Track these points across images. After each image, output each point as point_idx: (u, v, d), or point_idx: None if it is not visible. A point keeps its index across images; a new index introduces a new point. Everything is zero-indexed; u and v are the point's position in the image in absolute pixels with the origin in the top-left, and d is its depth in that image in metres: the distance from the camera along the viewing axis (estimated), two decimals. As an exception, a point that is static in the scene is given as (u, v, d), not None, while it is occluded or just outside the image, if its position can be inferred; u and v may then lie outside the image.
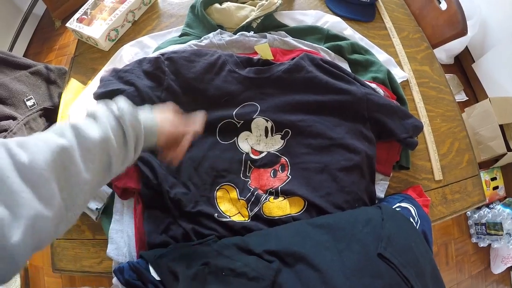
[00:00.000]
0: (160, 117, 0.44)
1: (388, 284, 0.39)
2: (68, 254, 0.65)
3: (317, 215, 0.51)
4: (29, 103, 0.96)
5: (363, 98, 0.53)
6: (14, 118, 0.90)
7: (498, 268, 1.54)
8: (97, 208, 0.61)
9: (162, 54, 0.59)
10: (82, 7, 0.86)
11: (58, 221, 0.32)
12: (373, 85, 0.62)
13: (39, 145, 0.32)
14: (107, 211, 0.63)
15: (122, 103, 0.40)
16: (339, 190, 0.52)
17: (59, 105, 0.83)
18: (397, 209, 0.54)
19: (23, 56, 1.91)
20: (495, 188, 1.56)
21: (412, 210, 0.55)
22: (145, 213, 0.55)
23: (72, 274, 0.65)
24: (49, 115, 0.97)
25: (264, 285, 0.38)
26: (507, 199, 1.56)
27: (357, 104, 0.54)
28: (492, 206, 1.52)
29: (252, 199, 0.52)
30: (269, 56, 0.58)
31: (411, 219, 0.52)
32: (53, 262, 0.66)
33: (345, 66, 0.67)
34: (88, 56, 0.86)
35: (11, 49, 1.84)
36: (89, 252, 0.64)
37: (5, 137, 0.87)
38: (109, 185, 0.62)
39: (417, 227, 0.52)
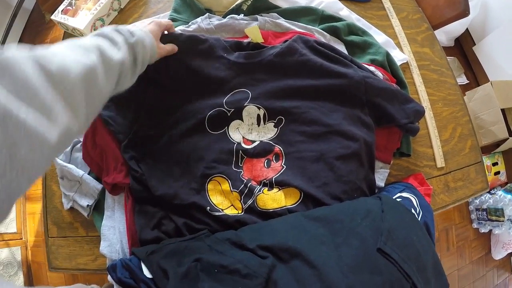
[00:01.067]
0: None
1: (388, 280, 0.37)
2: (63, 252, 0.64)
3: (314, 206, 0.49)
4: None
5: (361, 81, 0.50)
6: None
7: (498, 254, 1.55)
8: (88, 205, 0.59)
9: None
10: (63, 3, 0.83)
11: (80, 130, 0.35)
12: (372, 68, 0.59)
13: (69, 60, 0.34)
14: (98, 208, 0.61)
15: (137, 32, 0.45)
16: (336, 180, 0.50)
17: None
18: (398, 199, 0.52)
19: (15, 51, 1.88)
20: (497, 173, 1.55)
21: (414, 200, 0.53)
22: (135, 208, 0.53)
23: (68, 272, 0.64)
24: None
25: (258, 283, 0.36)
26: (508, 184, 1.55)
27: (355, 88, 0.51)
28: (493, 192, 1.51)
29: (246, 191, 0.49)
30: (259, 39, 0.55)
31: (413, 210, 0.50)
32: (49, 261, 0.65)
33: (342, 48, 0.63)
34: (75, 48, 0.82)
35: (2, 43, 1.80)
36: (83, 249, 0.63)
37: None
38: (99, 180, 0.60)
39: (419, 219, 0.50)
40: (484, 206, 1.49)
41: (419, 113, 0.55)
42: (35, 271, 1.47)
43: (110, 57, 0.40)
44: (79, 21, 0.78)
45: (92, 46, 0.39)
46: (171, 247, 0.45)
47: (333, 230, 0.42)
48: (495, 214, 1.44)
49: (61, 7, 0.82)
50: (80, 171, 0.59)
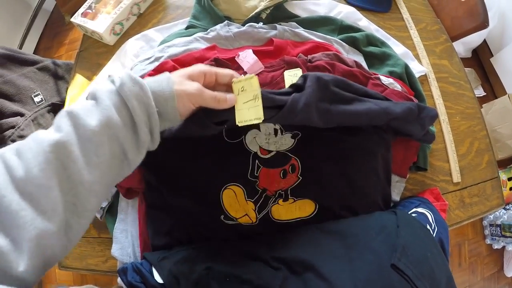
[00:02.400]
0: (175, 79, 0.36)
1: None
2: (74, 252, 0.65)
3: (328, 219, 0.48)
4: (36, 99, 0.96)
5: (382, 113, 0.47)
6: (22, 115, 0.91)
7: (511, 271, 1.50)
8: (101, 207, 0.60)
9: None
10: (87, 1, 0.84)
11: (65, 230, 0.29)
12: (390, 80, 0.58)
13: (33, 148, 0.28)
14: (112, 210, 0.61)
15: (124, 74, 0.34)
16: (352, 193, 0.49)
17: (67, 100, 0.82)
18: (414, 214, 0.51)
19: (34, 51, 1.94)
20: (512, 188, 1.50)
21: (429, 216, 0.52)
22: (148, 213, 0.53)
23: (78, 272, 0.64)
24: (58, 111, 0.95)
25: None
26: (525, 200, 1.50)
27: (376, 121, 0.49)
28: (508, 207, 1.47)
29: (260, 201, 0.49)
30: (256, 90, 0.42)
31: (428, 226, 0.49)
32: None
33: (360, 59, 0.63)
34: (93, 51, 0.84)
35: (21, 44, 1.86)
36: (94, 250, 0.64)
37: (12, 133, 0.87)
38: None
39: (434, 235, 0.49)
40: (498, 222, 1.45)
41: (433, 118, 0.53)
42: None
43: (85, 122, 0.30)
44: (99, 24, 0.79)
45: (64, 113, 0.31)
46: (183, 253, 0.45)
47: (347, 244, 0.42)
48: (509, 230, 1.41)
49: (81, 10, 0.84)
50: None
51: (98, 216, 0.61)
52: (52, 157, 0.28)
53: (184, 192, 0.49)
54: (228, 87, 0.42)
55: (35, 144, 0.29)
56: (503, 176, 1.49)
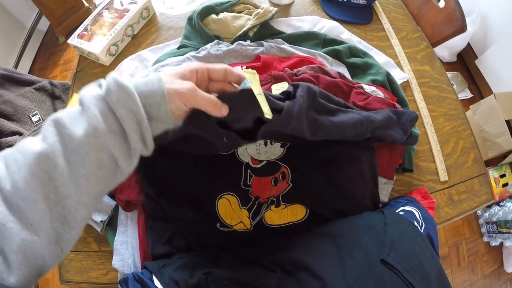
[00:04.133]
0: (166, 79, 0.34)
1: None
2: (75, 265, 0.66)
3: (319, 222, 0.50)
4: (34, 119, 0.98)
5: (367, 123, 0.49)
6: (20, 134, 0.92)
7: (511, 267, 1.51)
8: (101, 221, 0.62)
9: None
10: (83, 23, 0.88)
11: (56, 241, 0.29)
12: (373, 88, 0.62)
13: (18, 160, 0.28)
14: (111, 223, 0.63)
15: (109, 78, 0.32)
16: (340, 197, 0.52)
17: (63, 120, 0.84)
18: (401, 213, 0.53)
19: (29, 72, 1.96)
20: (505, 185, 1.53)
21: (417, 213, 0.54)
22: (148, 224, 0.55)
23: (79, 286, 0.65)
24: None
25: None
26: (517, 196, 1.53)
27: (361, 132, 0.50)
28: (502, 204, 1.50)
29: (254, 208, 0.51)
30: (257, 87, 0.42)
31: (416, 223, 0.51)
32: (60, 274, 0.66)
33: (344, 70, 0.67)
34: (90, 71, 0.87)
35: (16, 65, 1.89)
36: (95, 263, 0.65)
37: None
38: (113, 197, 0.62)
39: (422, 231, 0.51)
40: (494, 219, 1.47)
41: (414, 120, 0.56)
42: (42, 286, 1.49)
43: (70, 132, 0.29)
44: (95, 45, 0.83)
45: (50, 122, 0.30)
46: (182, 261, 0.47)
47: (337, 243, 0.44)
48: (505, 226, 1.42)
49: (77, 32, 0.87)
50: (96, 189, 0.62)
51: (99, 229, 0.63)
52: (37, 169, 0.28)
53: (182, 203, 0.52)
54: (222, 85, 0.39)
55: (20, 155, 0.28)
56: (495, 173, 1.52)
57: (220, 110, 0.37)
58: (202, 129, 0.39)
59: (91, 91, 0.32)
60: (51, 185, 0.28)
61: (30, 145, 0.29)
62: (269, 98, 0.40)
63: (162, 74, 0.35)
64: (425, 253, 0.44)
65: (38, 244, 0.27)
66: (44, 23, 2.09)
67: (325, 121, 0.46)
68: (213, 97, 0.37)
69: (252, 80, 0.38)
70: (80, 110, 0.31)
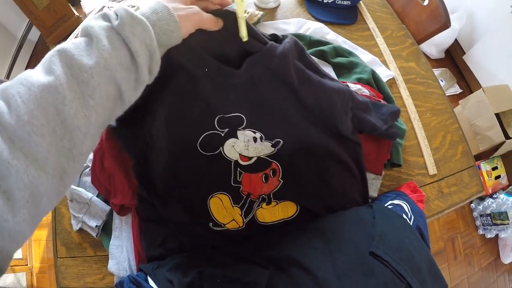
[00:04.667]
0: (172, 5, 0.35)
1: (383, 281, 0.39)
2: (72, 271, 0.66)
3: (310, 218, 0.52)
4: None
5: (349, 95, 0.52)
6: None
7: (508, 258, 1.53)
8: (96, 226, 0.62)
9: None
10: (73, 33, 0.89)
11: (61, 177, 0.28)
12: (358, 86, 0.63)
13: (22, 92, 0.26)
14: (106, 228, 0.64)
15: (121, 10, 0.31)
16: (330, 193, 0.53)
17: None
18: (389, 206, 0.55)
19: (21, 82, 1.96)
20: (497, 177, 1.56)
21: (405, 207, 0.55)
22: (141, 228, 0.56)
23: (76, 292, 0.66)
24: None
25: None
26: (510, 187, 1.55)
27: (346, 103, 0.52)
28: (495, 196, 1.52)
29: (246, 206, 0.52)
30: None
31: (404, 216, 0.52)
32: (58, 281, 0.67)
33: (329, 69, 0.68)
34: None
35: (8, 75, 1.88)
36: (91, 268, 0.65)
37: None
38: (107, 202, 0.63)
39: (411, 223, 0.53)
40: (488, 212, 1.49)
41: (395, 113, 0.58)
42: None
43: (79, 63, 0.29)
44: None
45: (55, 53, 0.29)
46: (176, 261, 0.48)
47: (326, 238, 0.45)
48: (499, 218, 1.44)
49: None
50: (89, 194, 0.63)
51: (94, 234, 0.63)
52: (43, 103, 0.27)
53: (174, 204, 0.53)
54: (206, 4, 0.42)
55: (24, 88, 0.27)
56: (487, 166, 1.55)
57: (218, 24, 0.41)
58: (188, 55, 0.43)
59: (99, 22, 0.31)
60: (58, 118, 0.27)
61: (34, 77, 0.28)
62: (254, 29, 0.45)
63: (167, 2, 0.35)
64: (414, 245, 0.45)
65: (44, 181, 0.26)
66: (35, 33, 2.09)
67: (313, 76, 0.49)
68: (212, 15, 0.40)
69: (238, 4, 0.41)
70: (87, 41, 0.30)
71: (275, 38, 0.49)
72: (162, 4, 0.35)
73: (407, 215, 0.54)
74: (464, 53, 1.76)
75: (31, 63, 2.06)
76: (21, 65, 2.00)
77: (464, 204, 0.79)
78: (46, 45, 2.00)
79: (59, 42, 0.88)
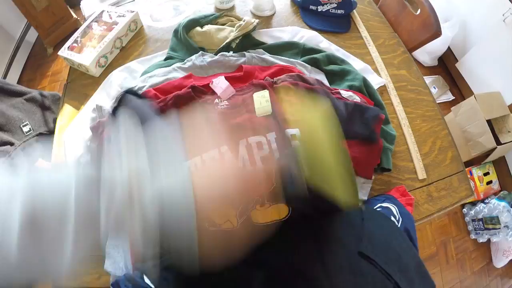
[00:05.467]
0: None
1: (371, 281, 0.41)
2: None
3: (301, 219, 0.53)
4: (25, 129, 0.99)
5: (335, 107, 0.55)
6: (11, 144, 0.93)
7: (500, 262, 1.55)
8: (94, 228, 0.63)
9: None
10: (73, 36, 0.91)
11: None
12: (350, 93, 0.65)
13: None
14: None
15: None
16: (320, 196, 0.55)
17: (54, 130, 0.86)
18: (378, 209, 0.56)
19: (17, 83, 1.96)
20: (489, 183, 1.58)
21: (394, 209, 0.57)
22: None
23: (73, 291, 0.66)
24: (45, 140, 1.00)
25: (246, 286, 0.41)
26: (501, 192, 1.58)
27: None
28: (487, 201, 1.54)
29: (240, 207, 0.54)
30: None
31: (392, 218, 0.54)
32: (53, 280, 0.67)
33: (322, 77, 0.70)
34: (80, 83, 0.89)
35: (5, 76, 1.88)
36: (87, 268, 0.66)
37: (3, 162, 0.90)
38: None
39: (399, 225, 0.54)
40: (480, 216, 1.51)
41: (376, 118, 0.59)
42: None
43: None
44: (85, 57, 0.85)
45: None
46: (170, 260, 0.49)
47: (316, 239, 0.46)
48: (491, 222, 1.46)
49: (68, 43, 0.90)
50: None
51: (91, 236, 0.64)
52: None
53: None
54: None
55: None
56: (479, 172, 1.57)
57: None
58: None
59: None
60: None
61: None
62: None
63: None
64: (402, 246, 0.46)
65: None
66: (33, 34, 2.09)
67: None
68: None
69: None
70: None
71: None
72: None
73: (395, 217, 0.55)
74: (457, 60, 1.79)
75: (28, 65, 2.06)
76: (18, 66, 2.00)
77: (453, 208, 0.80)
78: (44, 46, 2.01)
79: (57, 45, 0.90)
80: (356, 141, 0.62)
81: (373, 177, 0.66)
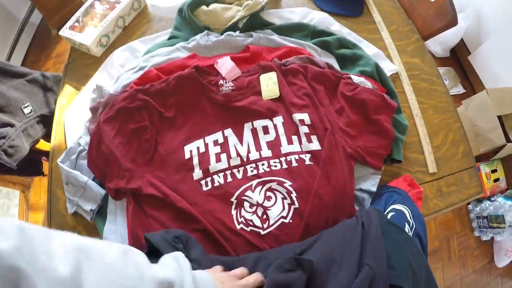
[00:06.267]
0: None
1: None
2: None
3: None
4: (26, 111, 0.98)
5: None
6: (12, 125, 0.92)
7: (502, 262, 1.53)
8: (91, 210, 0.62)
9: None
10: (74, 15, 0.88)
11: None
12: (362, 78, 0.62)
13: None
14: (101, 212, 0.63)
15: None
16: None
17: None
18: (391, 213, 0.53)
19: (21, 65, 1.95)
20: (496, 180, 1.55)
21: (407, 213, 0.53)
22: (134, 211, 0.55)
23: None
24: (47, 122, 0.98)
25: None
26: (508, 191, 1.54)
27: None
28: (493, 199, 1.51)
29: None
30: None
31: (406, 224, 0.51)
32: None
33: (332, 61, 0.67)
34: (81, 63, 0.87)
35: (9, 58, 1.87)
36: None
37: (3, 144, 0.89)
38: (103, 187, 0.63)
39: (412, 231, 0.51)
40: (485, 214, 1.48)
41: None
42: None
43: None
44: (86, 37, 0.82)
45: None
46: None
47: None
48: (496, 221, 1.44)
49: (69, 23, 0.87)
50: (84, 177, 0.62)
51: (88, 218, 0.63)
52: None
53: None
54: None
55: None
56: (486, 168, 1.54)
57: None
58: None
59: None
60: None
61: None
62: None
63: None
64: (417, 260, 0.43)
65: None
66: (37, 16, 2.07)
67: None
68: None
69: None
70: None
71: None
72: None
73: (409, 223, 0.52)
74: (470, 53, 1.74)
75: (32, 47, 2.04)
76: (22, 48, 1.98)
77: (462, 205, 0.78)
78: (48, 28, 1.98)
79: (61, 26, 0.87)
80: (367, 130, 0.59)
81: (382, 168, 0.63)
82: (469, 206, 1.59)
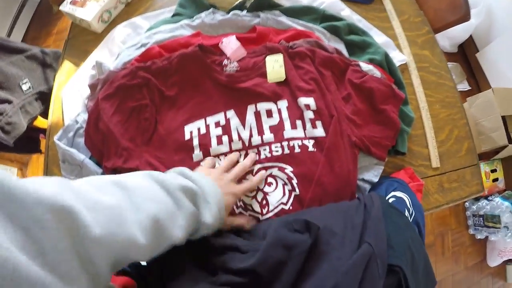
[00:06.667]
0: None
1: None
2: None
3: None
4: (24, 87, 0.96)
5: None
6: (9, 102, 0.91)
7: (494, 261, 1.55)
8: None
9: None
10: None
11: None
12: (370, 66, 0.60)
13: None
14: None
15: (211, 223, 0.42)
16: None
17: (54, 88, 0.82)
18: (392, 199, 0.53)
19: (22, 41, 1.91)
20: (495, 180, 1.55)
21: (407, 201, 0.53)
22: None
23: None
24: (45, 99, 0.97)
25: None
26: (506, 192, 1.55)
27: None
28: (491, 198, 1.52)
29: None
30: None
31: (406, 212, 0.51)
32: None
33: (341, 46, 0.65)
34: (82, 39, 0.84)
35: (9, 34, 1.83)
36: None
37: (0, 120, 0.87)
38: (100, 165, 0.61)
39: (412, 219, 0.51)
40: (481, 212, 1.49)
41: None
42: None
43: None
44: (87, 12, 0.80)
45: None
46: None
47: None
48: (491, 220, 1.45)
49: (70, -2, 0.84)
50: (81, 155, 0.61)
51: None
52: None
53: None
54: None
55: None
56: (486, 168, 1.54)
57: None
58: None
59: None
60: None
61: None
62: None
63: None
64: (416, 245, 0.43)
65: None
66: (38, -8, 2.02)
67: None
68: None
69: None
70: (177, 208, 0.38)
71: None
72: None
73: (408, 210, 0.52)
74: (478, 50, 1.71)
75: (33, 23, 2.00)
76: (23, 24, 1.94)
77: (461, 202, 0.77)
78: (49, 4, 1.93)
79: (62, 2, 0.84)
80: (373, 119, 0.57)
81: (386, 159, 0.62)
82: (466, 203, 1.59)
